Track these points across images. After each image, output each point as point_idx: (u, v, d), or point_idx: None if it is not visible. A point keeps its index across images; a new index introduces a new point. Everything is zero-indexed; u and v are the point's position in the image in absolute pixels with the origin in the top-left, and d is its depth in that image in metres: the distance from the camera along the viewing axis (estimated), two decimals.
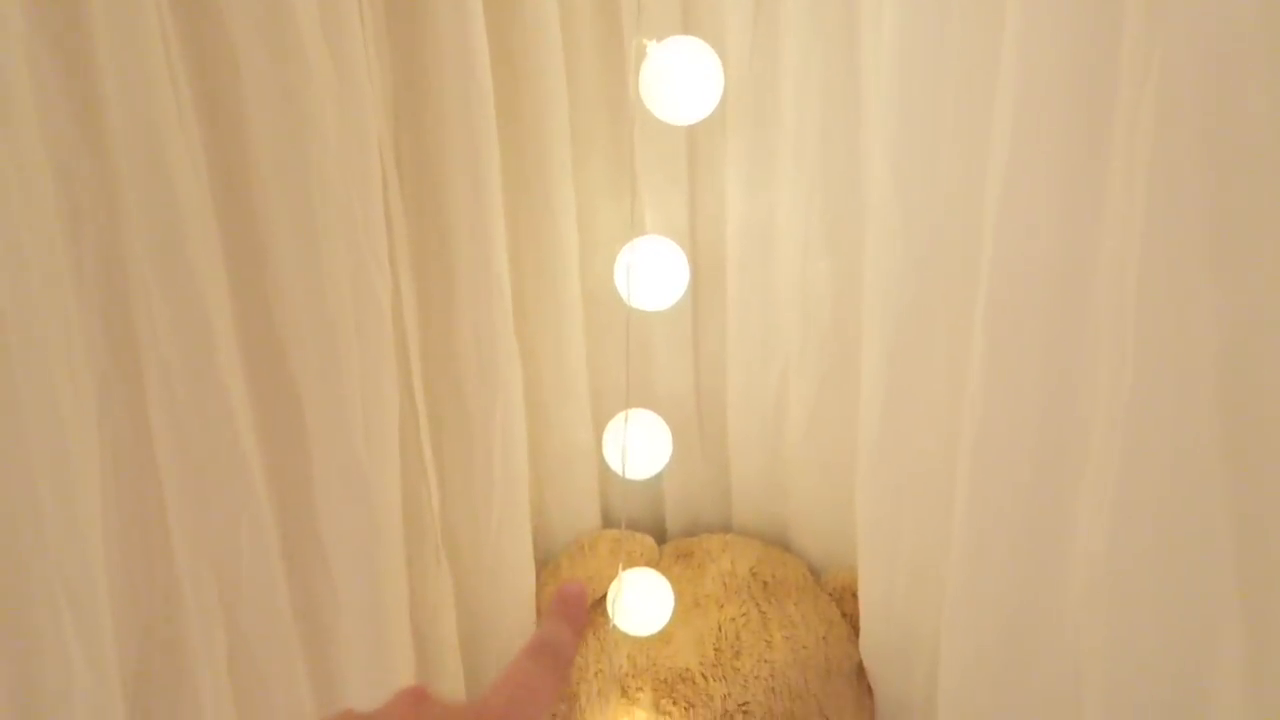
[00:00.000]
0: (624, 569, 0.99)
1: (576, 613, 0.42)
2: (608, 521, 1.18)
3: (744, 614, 1.06)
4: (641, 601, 0.95)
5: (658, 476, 1.18)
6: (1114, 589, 0.83)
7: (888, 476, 1.00)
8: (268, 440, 0.79)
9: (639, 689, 1.03)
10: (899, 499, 1.01)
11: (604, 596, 1.07)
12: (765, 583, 1.09)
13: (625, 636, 1.03)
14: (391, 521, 0.89)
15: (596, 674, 1.06)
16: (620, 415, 0.90)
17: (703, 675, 1.02)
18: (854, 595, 1.10)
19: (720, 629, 1.05)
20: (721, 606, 1.06)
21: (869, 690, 1.10)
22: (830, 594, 1.12)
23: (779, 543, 1.18)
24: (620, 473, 0.91)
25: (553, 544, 1.16)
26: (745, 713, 1.01)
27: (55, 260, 0.64)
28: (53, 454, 0.67)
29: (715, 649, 1.03)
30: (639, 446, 0.89)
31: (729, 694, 1.01)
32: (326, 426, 0.79)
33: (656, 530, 1.19)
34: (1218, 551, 0.73)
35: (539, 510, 1.13)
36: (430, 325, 0.94)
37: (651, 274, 0.84)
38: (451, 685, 1.14)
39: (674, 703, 1.01)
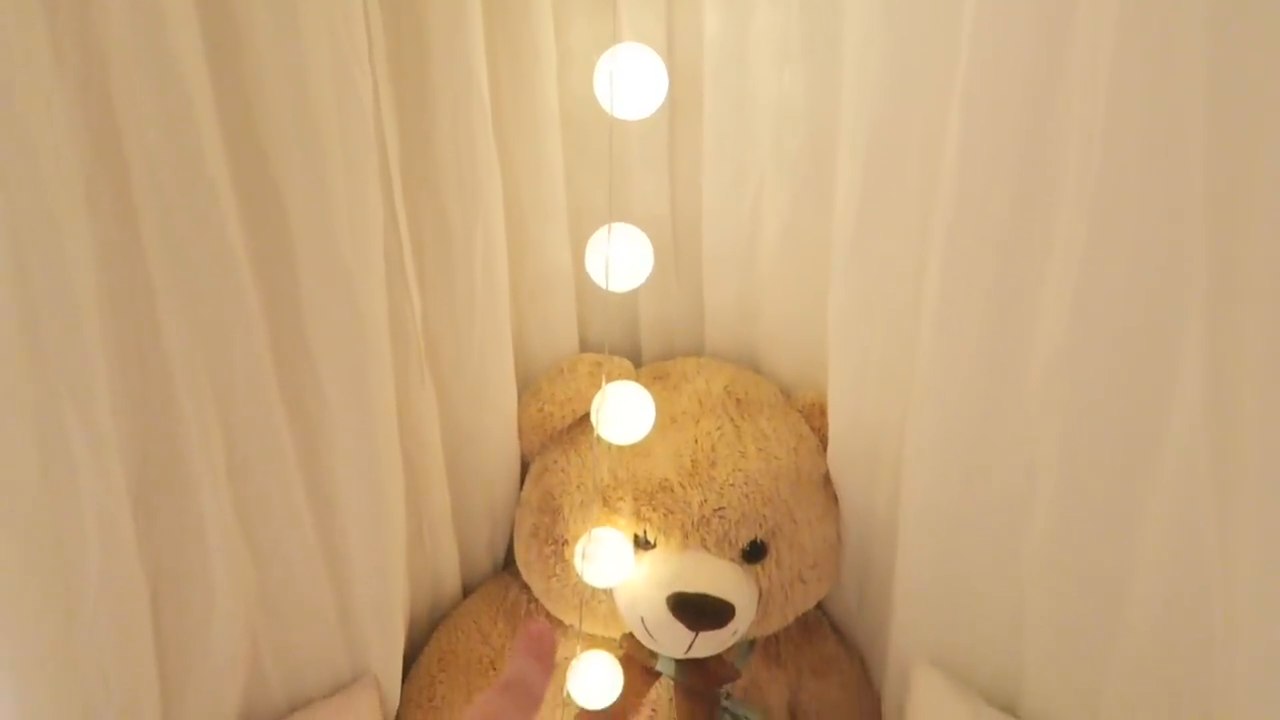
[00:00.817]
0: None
1: (545, 651, 0.43)
2: (585, 346, 1.21)
3: (719, 428, 1.10)
4: (624, 411, 0.98)
5: (634, 300, 1.21)
6: (1069, 384, 0.88)
7: (859, 286, 1.04)
8: (255, 243, 0.79)
9: (620, 499, 1.08)
10: (869, 311, 1.05)
11: (586, 414, 1.11)
12: (738, 400, 1.14)
13: (608, 450, 1.07)
14: (378, 331, 0.91)
15: (579, 487, 1.11)
16: (603, 229, 0.92)
17: (680, 485, 1.07)
18: (822, 412, 1.16)
19: (696, 442, 1.09)
20: (697, 422, 1.11)
21: (835, 499, 1.17)
22: (800, 411, 1.17)
23: (751, 366, 1.22)
24: (603, 286, 0.93)
25: (533, 368, 1.18)
26: (721, 517, 1.07)
27: (36, 52, 0.63)
28: (48, 256, 0.67)
29: (692, 460, 1.08)
30: (622, 259, 0.91)
31: (705, 500, 1.07)
32: (312, 229, 0.80)
33: (633, 354, 1.23)
34: (1175, 341, 0.78)
35: (518, 334, 1.16)
36: (409, 138, 0.93)
37: (632, 81, 0.84)
38: (437, 506, 1.19)
39: (654, 510, 1.07)
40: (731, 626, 1.06)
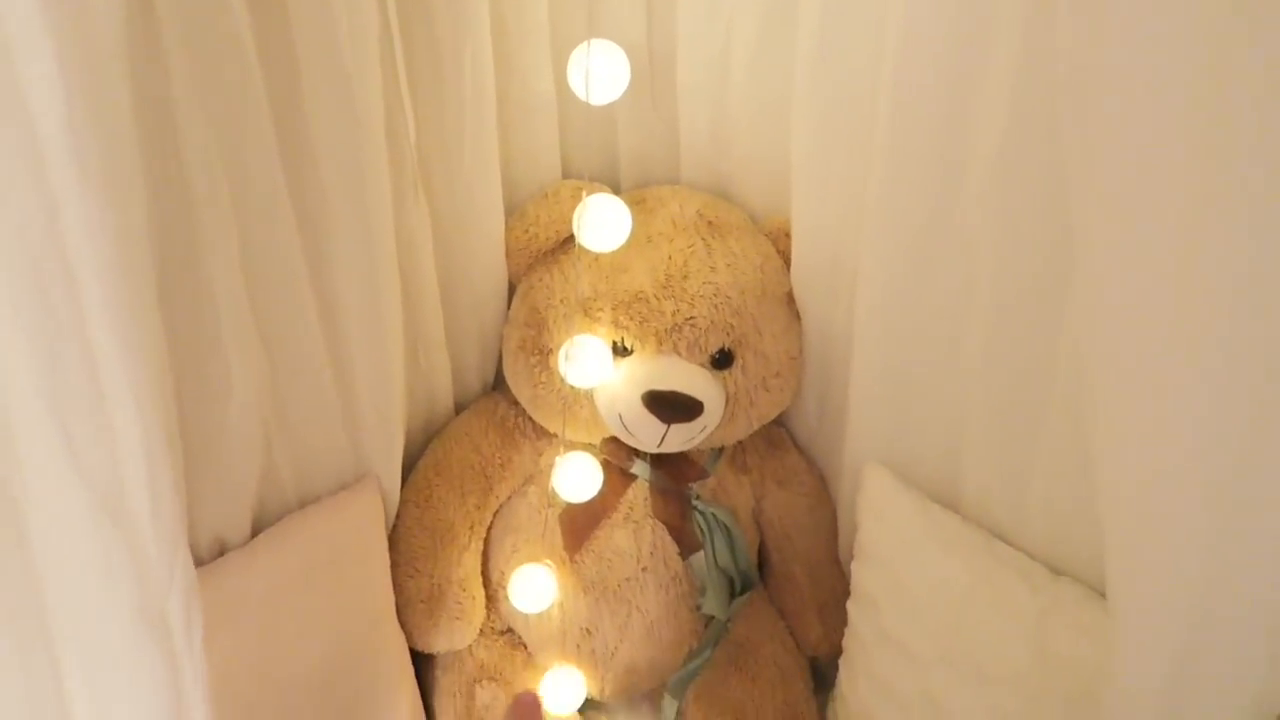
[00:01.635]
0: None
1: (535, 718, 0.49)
2: (568, 173, 1.29)
3: (691, 246, 1.20)
4: (603, 219, 1.07)
5: (614, 130, 1.29)
6: (1003, 199, 0.97)
7: (819, 116, 1.12)
8: (262, 41, 0.85)
9: (599, 310, 1.18)
10: (829, 140, 1.14)
11: (569, 237, 1.20)
12: (710, 222, 1.23)
13: (589, 264, 1.17)
14: (376, 138, 0.98)
15: (562, 300, 1.21)
16: (583, 44, 0.99)
17: (655, 296, 1.17)
18: (787, 235, 1.25)
19: (670, 258, 1.19)
20: (671, 240, 1.20)
21: (798, 316, 1.27)
22: (767, 234, 1.26)
23: (723, 195, 1.31)
24: (584, 99, 1.01)
25: (518, 194, 1.26)
26: (691, 325, 1.17)
27: None
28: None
29: (666, 274, 1.18)
30: (601, 72, 0.98)
31: (678, 310, 1.17)
32: (313, 29, 0.86)
33: (612, 183, 1.31)
34: None
35: (504, 162, 1.23)
36: None
37: None
38: (431, 324, 1.28)
39: (630, 319, 1.17)
40: (700, 422, 1.17)
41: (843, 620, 1.33)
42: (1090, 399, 0.86)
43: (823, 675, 1.46)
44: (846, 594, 1.31)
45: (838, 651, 1.35)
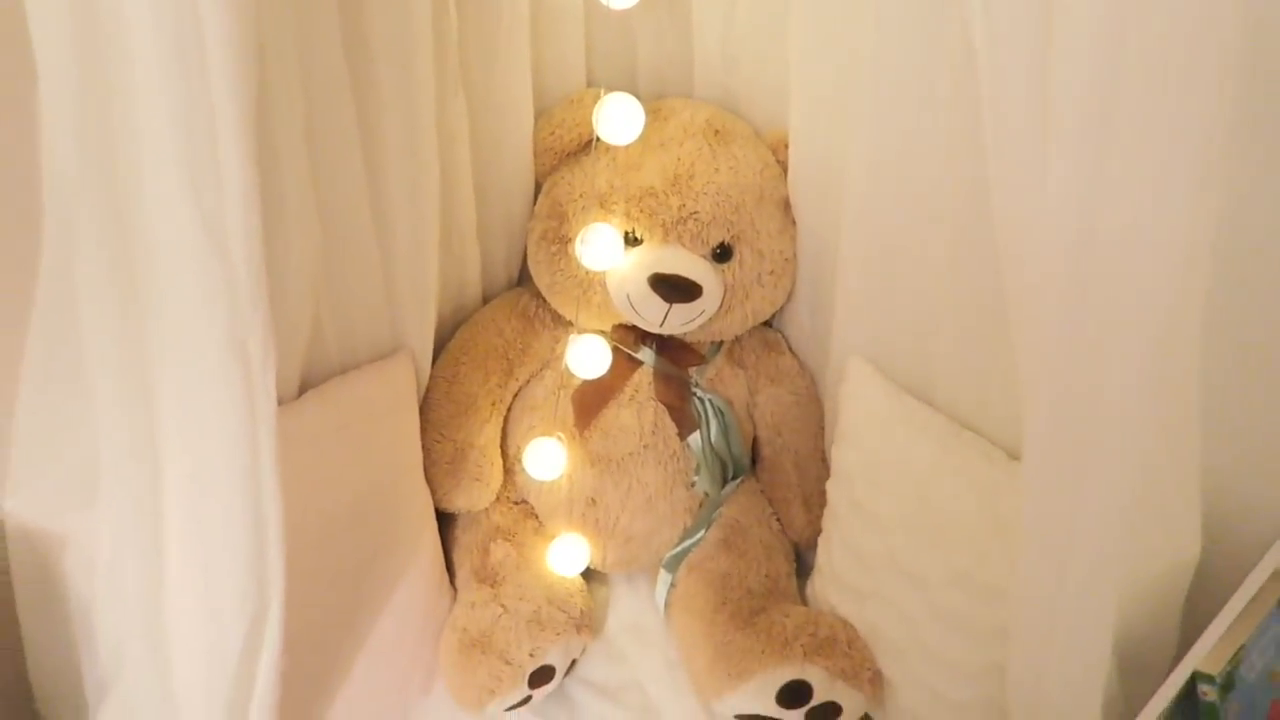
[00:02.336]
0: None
1: None
2: (591, 84, 1.43)
3: (698, 150, 1.34)
4: (619, 114, 1.21)
5: (634, 46, 1.43)
6: (968, 101, 1.10)
7: (814, 33, 1.25)
8: None
9: (614, 203, 1.33)
10: (822, 56, 1.27)
11: (589, 140, 1.34)
12: (717, 130, 1.37)
13: (606, 162, 1.31)
14: (424, 36, 1.12)
15: (582, 194, 1.35)
16: None
17: (664, 192, 1.31)
18: (785, 146, 1.38)
19: (679, 160, 1.33)
20: (681, 144, 1.34)
21: (793, 221, 1.41)
22: (768, 144, 1.40)
23: (730, 109, 1.45)
24: (606, 3, 1.15)
25: (545, 100, 1.41)
26: (695, 219, 1.31)
27: None
28: None
29: (674, 174, 1.32)
30: None
31: (683, 205, 1.31)
32: None
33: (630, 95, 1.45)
34: None
35: (534, 71, 1.37)
36: None
37: None
38: (464, 215, 1.43)
39: (641, 211, 1.31)
40: (699, 305, 1.32)
41: (824, 507, 1.47)
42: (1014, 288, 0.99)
43: (804, 563, 1.60)
44: None
45: (818, 538, 1.50)
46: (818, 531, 1.50)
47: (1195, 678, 1.00)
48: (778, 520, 1.57)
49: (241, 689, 0.97)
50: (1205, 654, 1.00)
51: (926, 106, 1.15)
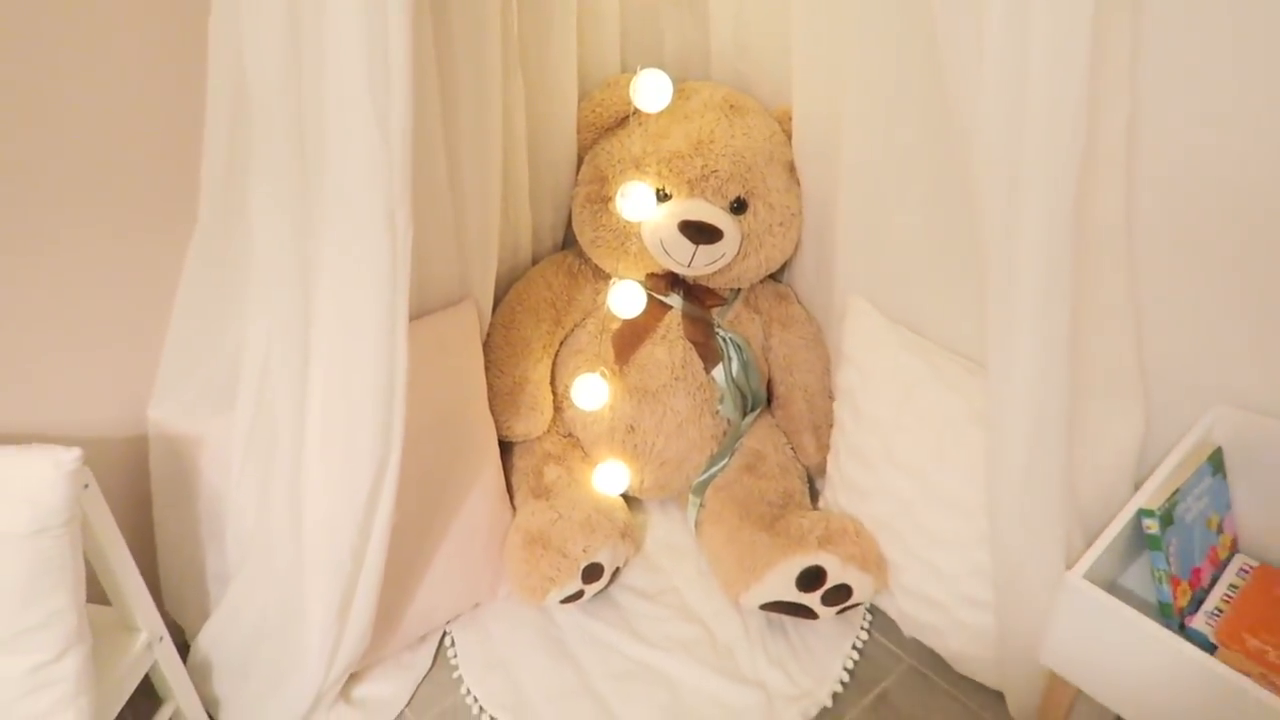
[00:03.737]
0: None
1: None
2: (625, 69, 1.69)
3: (717, 121, 1.59)
4: (651, 86, 1.47)
5: (660, 37, 1.69)
6: (936, 80, 1.34)
7: (812, 22, 1.51)
8: None
9: (647, 165, 1.58)
10: (819, 41, 1.52)
11: (625, 116, 1.60)
12: (732, 105, 1.62)
13: (640, 132, 1.56)
14: (493, 26, 1.37)
15: (619, 160, 1.61)
16: None
17: (688, 154, 1.56)
18: (789, 118, 1.64)
19: (701, 128, 1.58)
20: (702, 116, 1.59)
21: (798, 181, 1.66)
22: (775, 117, 1.65)
23: (743, 89, 1.70)
24: None
25: (587, 84, 1.67)
26: (715, 176, 1.56)
27: None
28: None
29: (697, 140, 1.57)
30: None
31: (705, 164, 1.56)
32: None
33: None
34: None
35: (578, 58, 1.63)
36: None
37: None
38: (519, 182, 1.67)
39: (670, 171, 1.56)
40: (720, 248, 1.56)
41: (831, 433, 1.70)
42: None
43: (815, 491, 1.82)
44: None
45: (826, 461, 1.72)
46: (825, 458, 1.73)
47: (1140, 513, 1.22)
48: (791, 448, 1.80)
49: (363, 532, 1.19)
50: (1147, 497, 1.23)
51: (904, 82, 1.40)
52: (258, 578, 1.36)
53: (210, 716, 1.46)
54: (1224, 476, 1.30)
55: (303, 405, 1.13)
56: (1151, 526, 1.21)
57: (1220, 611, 1.25)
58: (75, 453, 1.06)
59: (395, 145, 0.97)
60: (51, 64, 1.16)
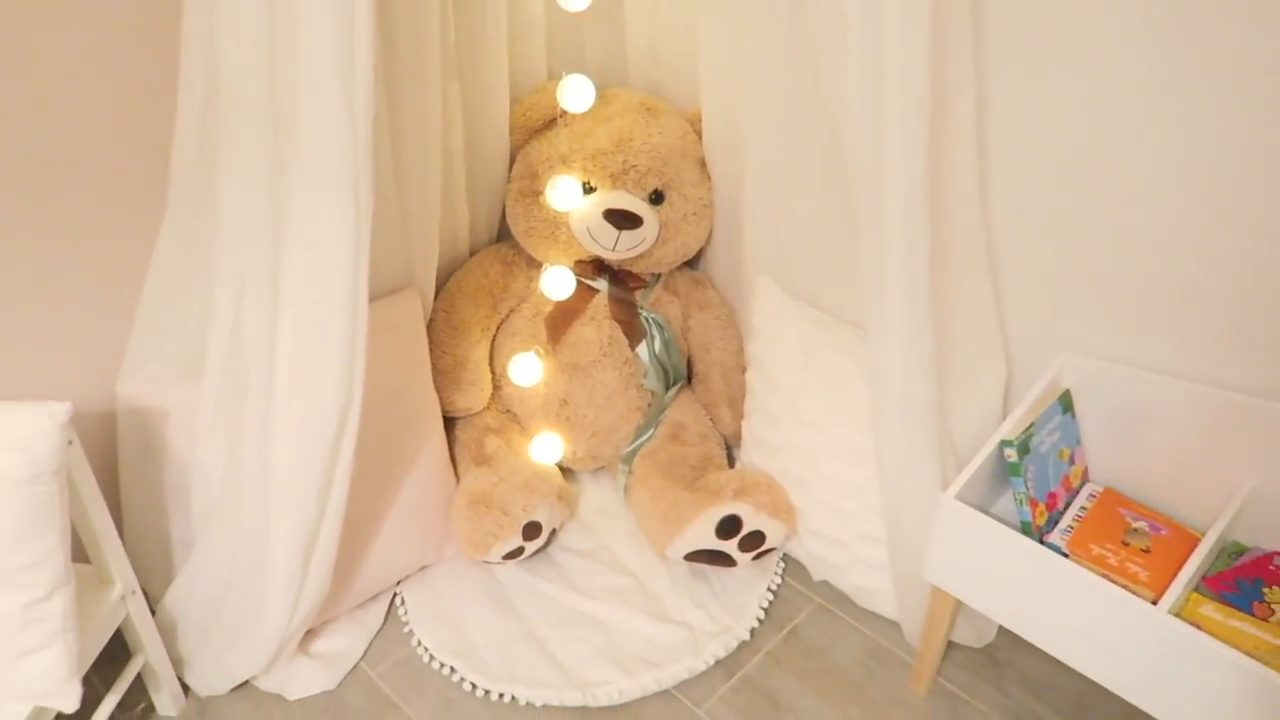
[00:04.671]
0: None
1: None
2: (551, 77, 1.87)
3: (635, 121, 1.78)
4: (577, 89, 1.65)
5: (582, 46, 1.88)
6: (821, 85, 1.56)
7: (715, 35, 1.71)
8: None
9: (574, 160, 1.76)
10: (722, 52, 1.72)
11: (553, 119, 1.78)
12: (648, 108, 1.81)
13: (566, 131, 1.74)
14: (433, 40, 1.53)
15: (548, 157, 1.78)
16: None
17: (610, 151, 1.75)
18: (699, 119, 1.84)
19: (621, 128, 1.77)
20: (622, 117, 1.78)
21: (709, 175, 1.86)
22: (687, 118, 1.85)
23: (658, 94, 1.90)
24: (565, 7, 1.60)
25: (516, 91, 1.84)
26: (635, 169, 1.75)
27: None
28: None
29: (619, 138, 1.76)
30: None
31: (626, 160, 1.75)
32: None
33: None
34: None
35: (510, 64, 1.81)
36: None
37: None
38: (457, 178, 1.83)
39: (594, 165, 1.75)
40: (641, 233, 1.74)
41: (744, 401, 1.89)
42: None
43: (732, 458, 2.01)
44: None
45: (741, 428, 1.91)
46: (740, 426, 1.92)
47: (1001, 444, 1.44)
48: (710, 419, 1.98)
49: (327, 475, 1.33)
50: (1007, 430, 1.44)
51: (795, 85, 1.60)
52: (223, 536, 1.48)
53: (177, 676, 1.57)
54: (1073, 415, 1.53)
55: (272, 359, 1.27)
56: (1011, 455, 1.43)
57: (1071, 529, 1.47)
58: (66, 406, 1.19)
59: (360, 126, 1.12)
60: (28, 61, 1.29)
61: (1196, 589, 1.35)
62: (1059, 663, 1.28)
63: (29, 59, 1.29)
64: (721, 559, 1.73)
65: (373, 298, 1.65)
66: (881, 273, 1.35)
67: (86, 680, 1.29)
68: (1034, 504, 1.44)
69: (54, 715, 1.29)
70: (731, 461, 1.98)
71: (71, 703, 1.26)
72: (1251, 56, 1.16)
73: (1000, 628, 1.70)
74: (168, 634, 1.55)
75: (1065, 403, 1.51)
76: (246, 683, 1.61)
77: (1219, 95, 1.20)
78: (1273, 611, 1.31)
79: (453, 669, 1.63)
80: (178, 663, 1.58)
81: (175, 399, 1.50)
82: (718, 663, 1.65)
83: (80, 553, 1.36)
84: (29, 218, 1.36)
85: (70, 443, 1.24)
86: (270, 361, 1.28)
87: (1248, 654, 1.16)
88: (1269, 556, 1.38)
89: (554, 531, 1.86)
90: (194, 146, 1.31)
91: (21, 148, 1.32)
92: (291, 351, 1.25)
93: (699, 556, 1.74)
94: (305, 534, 1.39)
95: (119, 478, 1.58)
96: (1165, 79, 1.23)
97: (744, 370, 1.96)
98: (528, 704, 1.58)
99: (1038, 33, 1.32)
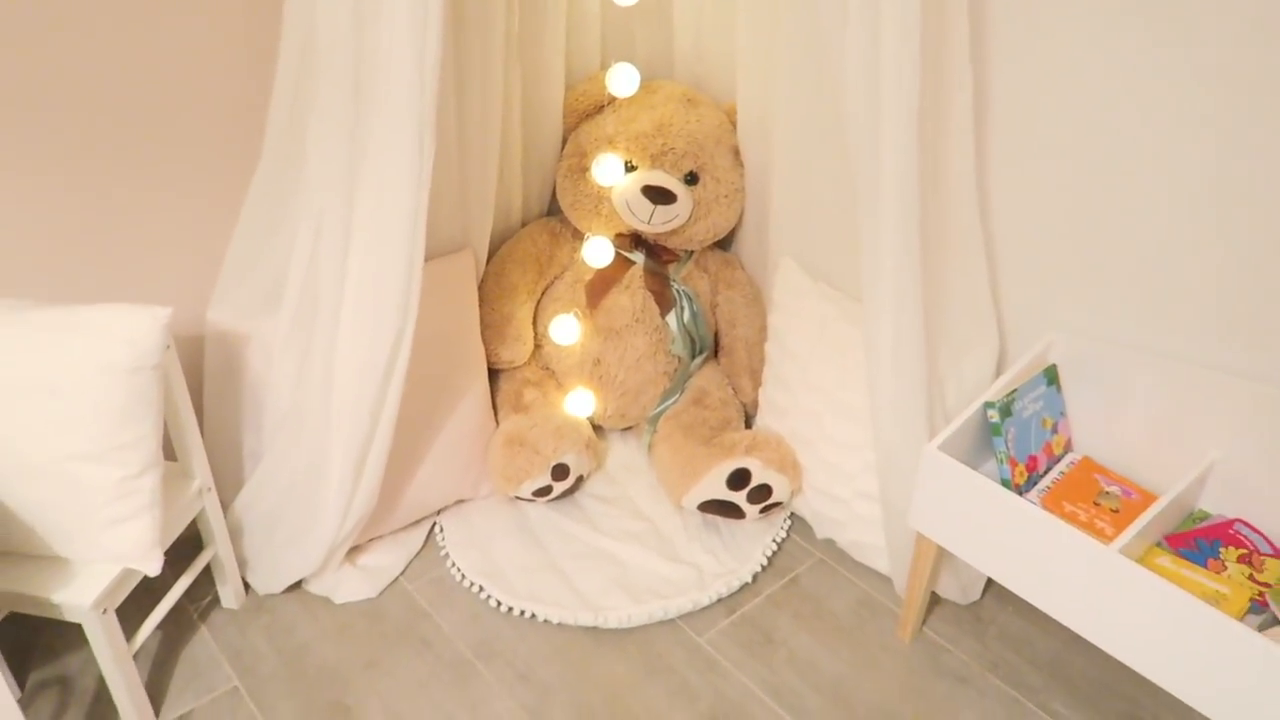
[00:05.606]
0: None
1: None
2: (603, 67, 2.07)
3: (675, 110, 1.97)
4: (623, 75, 1.84)
5: (632, 41, 2.08)
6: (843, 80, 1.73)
7: (753, 35, 1.89)
8: None
9: (618, 141, 1.95)
10: (758, 52, 1.90)
11: (602, 104, 1.98)
12: (689, 99, 2.00)
13: (614, 114, 1.94)
14: (498, 27, 1.74)
15: (596, 138, 1.98)
16: None
17: (651, 135, 1.94)
18: (735, 111, 2.02)
19: (662, 115, 1.95)
20: (665, 106, 1.97)
21: (741, 162, 2.03)
22: (724, 110, 2.03)
23: (700, 89, 2.09)
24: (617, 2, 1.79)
25: (571, 77, 2.04)
26: (673, 152, 1.93)
27: None
28: None
29: (659, 123, 1.95)
30: None
31: (665, 143, 1.93)
32: None
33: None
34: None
35: (566, 54, 2.01)
36: None
37: None
38: (515, 152, 2.04)
39: (636, 146, 1.93)
40: (675, 209, 1.92)
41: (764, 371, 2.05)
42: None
43: (750, 425, 2.17)
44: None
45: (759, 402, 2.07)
46: (758, 396, 2.08)
47: (984, 405, 1.57)
48: (732, 389, 2.15)
49: (380, 391, 1.53)
50: (991, 394, 1.58)
51: (820, 85, 1.77)
52: (288, 447, 1.68)
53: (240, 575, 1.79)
54: (1058, 388, 1.66)
55: (341, 287, 1.48)
56: (993, 415, 1.56)
57: (1048, 490, 1.60)
58: (168, 309, 1.40)
59: (427, 81, 1.32)
60: (155, 41, 1.53)
61: (1158, 544, 1.47)
62: (1038, 622, 1.41)
63: (169, 41, 1.53)
64: (731, 510, 1.89)
65: (432, 256, 1.90)
66: (876, 242, 1.50)
67: (162, 569, 1.49)
68: (1013, 463, 1.58)
69: (138, 579, 1.50)
70: (749, 426, 2.14)
71: (154, 567, 1.47)
72: (1243, 63, 1.29)
73: (985, 587, 1.83)
74: (235, 535, 1.76)
75: (1050, 376, 1.64)
76: (299, 585, 1.81)
77: (1207, 91, 1.33)
78: (1225, 567, 1.43)
79: (481, 587, 1.81)
80: (241, 562, 1.79)
81: (256, 325, 1.72)
82: (720, 600, 1.81)
83: (167, 453, 1.57)
84: (146, 168, 1.60)
85: (168, 347, 1.45)
86: (339, 289, 1.49)
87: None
88: (1230, 522, 1.49)
89: (580, 478, 2.03)
90: (288, 105, 1.53)
91: (150, 112, 1.56)
92: (358, 280, 1.45)
93: (711, 507, 1.90)
94: (359, 446, 1.59)
95: (203, 395, 1.80)
96: (1157, 73, 1.37)
97: (765, 343, 2.12)
98: (545, 621, 1.76)
99: (1037, 36, 1.47)
